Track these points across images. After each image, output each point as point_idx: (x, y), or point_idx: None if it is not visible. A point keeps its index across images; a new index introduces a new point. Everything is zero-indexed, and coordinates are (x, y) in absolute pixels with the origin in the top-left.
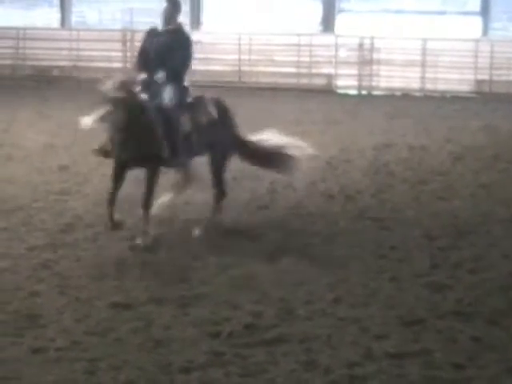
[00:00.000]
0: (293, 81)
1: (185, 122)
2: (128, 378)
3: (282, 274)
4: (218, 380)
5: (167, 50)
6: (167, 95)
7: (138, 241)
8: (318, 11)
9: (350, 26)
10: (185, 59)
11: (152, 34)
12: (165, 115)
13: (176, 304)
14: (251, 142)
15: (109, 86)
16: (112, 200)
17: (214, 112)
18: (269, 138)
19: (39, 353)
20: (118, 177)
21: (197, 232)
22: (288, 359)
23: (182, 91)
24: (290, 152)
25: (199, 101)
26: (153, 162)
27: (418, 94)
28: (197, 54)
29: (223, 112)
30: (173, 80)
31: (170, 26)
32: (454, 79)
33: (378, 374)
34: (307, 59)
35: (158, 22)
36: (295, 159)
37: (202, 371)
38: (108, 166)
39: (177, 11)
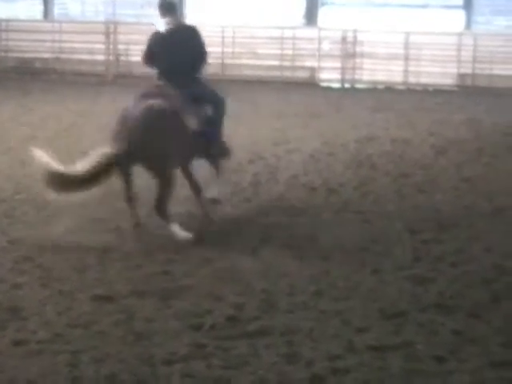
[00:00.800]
0: (276, 74)
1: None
2: (110, 371)
3: (264, 266)
4: (199, 372)
5: (185, 45)
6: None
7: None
8: (301, 4)
9: (333, 19)
10: (203, 50)
11: (160, 35)
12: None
13: (158, 296)
14: None
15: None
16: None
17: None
18: None
19: (21, 345)
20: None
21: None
22: (270, 352)
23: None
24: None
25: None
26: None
27: (400, 87)
28: None
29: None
30: (192, 76)
31: (177, 23)
32: (437, 73)
33: (359, 366)
34: (290, 52)
35: (140, 14)
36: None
37: (184, 363)
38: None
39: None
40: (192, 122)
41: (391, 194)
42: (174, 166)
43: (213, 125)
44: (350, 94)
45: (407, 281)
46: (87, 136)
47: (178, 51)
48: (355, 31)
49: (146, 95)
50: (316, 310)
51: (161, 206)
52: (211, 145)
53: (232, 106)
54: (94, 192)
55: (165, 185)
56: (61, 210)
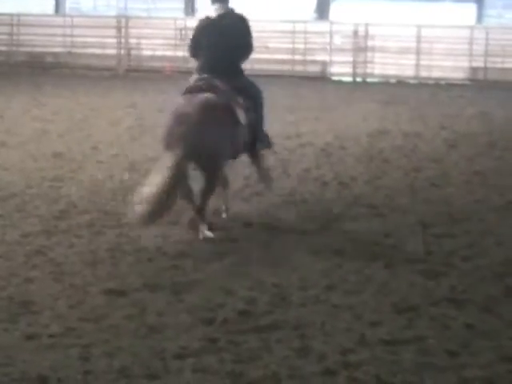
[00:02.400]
0: (287, 68)
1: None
2: (122, 365)
3: (276, 260)
4: (211, 366)
5: (234, 32)
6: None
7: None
8: None
9: (344, 13)
10: (250, 41)
11: (208, 21)
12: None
13: (170, 290)
14: None
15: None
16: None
17: None
18: None
19: (33, 339)
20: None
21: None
22: (282, 346)
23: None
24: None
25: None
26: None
27: (412, 81)
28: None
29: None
30: (235, 67)
31: (227, 10)
32: (449, 66)
33: (371, 360)
34: (302, 46)
35: (151, 8)
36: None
37: (195, 357)
38: (100, 154)
39: None
40: (242, 116)
41: (403, 188)
42: (225, 161)
43: (256, 118)
44: (361, 87)
45: (419, 275)
46: (99, 130)
47: (223, 39)
48: (367, 25)
49: (193, 89)
50: (328, 304)
51: (203, 202)
52: (257, 138)
53: None
54: (107, 187)
55: (212, 182)
56: (73, 204)
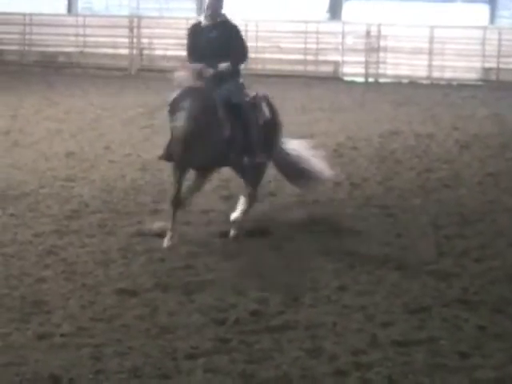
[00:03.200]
0: (300, 68)
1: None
2: (133, 365)
3: (287, 260)
4: (223, 367)
5: (222, 44)
6: (234, 90)
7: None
8: None
9: (357, 13)
10: (244, 51)
11: (198, 29)
12: (237, 111)
13: (181, 291)
14: (287, 151)
15: (184, 75)
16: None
17: (267, 112)
18: (300, 149)
19: (45, 339)
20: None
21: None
22: (293, 346)
23: (240, 88)
24: (316, 172)
25: (255, 99)
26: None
27: (424, 81)
28: None
29: (274, 112)
30: (231, 75)
31: (218, 19)
32: (461, 67)
33: (383, 361)
34: (314, 46)
35: (163, 8)
36: (319, 180)
37: (207, 358)
38: (112, 154)
39: (221, 3)
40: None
41: (415, 189)
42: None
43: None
44: (373, 88)
45: (431, 276)
46: (111, 130)
47: (209, 50)
48: (379, 25)
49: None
50: (339, 305)
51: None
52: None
53: None
54: (119, 187)
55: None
56: (85, 204)
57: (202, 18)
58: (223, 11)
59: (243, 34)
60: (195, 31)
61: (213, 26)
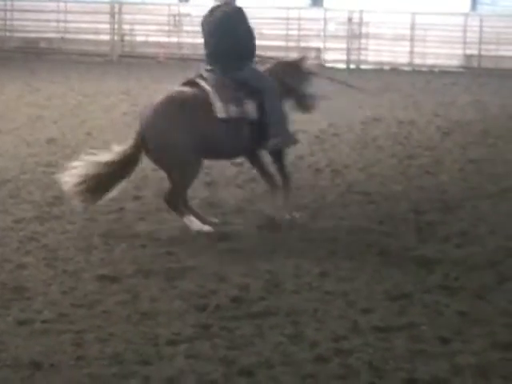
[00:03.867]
0: (281, 54)
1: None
2: (115, 351)
3: (269, 247)
4: (204, 352)
5: (220, 29)
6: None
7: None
8: None
9: (338, 0)
10: (246, 33)
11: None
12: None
13: (163, 277)
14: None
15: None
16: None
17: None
18: None
19: (26, 325)
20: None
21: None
22: (274, 332)
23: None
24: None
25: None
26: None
27: (406, 68)
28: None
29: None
30: (237, 61)
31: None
32: (443, 54)
33: (364, 347)
34: (296, 33)
35: None
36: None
37: (188, 344)
38: (94, 140)
39: None
40: (223, 111)
41: (397, 176)
42: (192, 158)
43: (264, 113)
44: (355, 74)
45: (412, 262)
46: (93, 116)
47: (212, 34)
48: (361, 12)
49: (186, 82)
50: (321, 291)
51: (170, 199)
52: (269, 134)
53: None
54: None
55: (174, 178)
56: (67, 191)
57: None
58: None
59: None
60: (203, 18)
61: (214, 8)
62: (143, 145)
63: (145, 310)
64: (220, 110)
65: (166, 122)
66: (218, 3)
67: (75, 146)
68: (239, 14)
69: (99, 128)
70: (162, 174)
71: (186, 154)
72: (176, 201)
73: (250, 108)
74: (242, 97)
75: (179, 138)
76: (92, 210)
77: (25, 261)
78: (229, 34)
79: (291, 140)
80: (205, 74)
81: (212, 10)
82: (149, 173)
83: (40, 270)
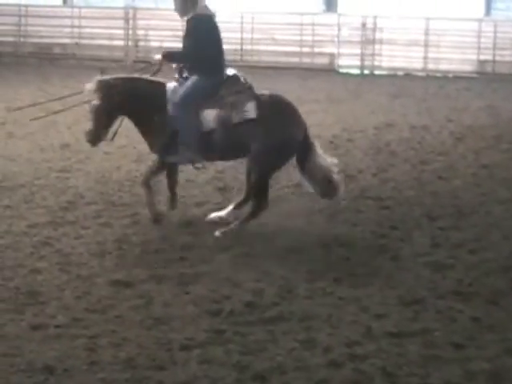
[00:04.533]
0: (295, 60)
1: (206, 118)
2: (128, 356)
3: (282, 252)
4: (217, 358)
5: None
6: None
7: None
8: None
9: (352, 5)
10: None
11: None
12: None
13: (176, 282)
14: (312, 154)
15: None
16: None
17: (252, 111)
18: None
19: (39, 329)
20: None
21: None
22: (288, 337)
23: (211, 84)
24: (336, 180)
25: (237, 97)
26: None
27: (420, 73)
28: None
29: (274, 111)
30: (196, 71)
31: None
32: (457, 59)
33: (377, 352)
34: (310, 38)
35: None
36: (338, 188)
37: (201, 349)
38: (108, 145)
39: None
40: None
41: (410, 181)
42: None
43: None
44: (369, 80)
45: (426, 268)
46: None
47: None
48: (375, 17)
49: None
50: (334, 297)
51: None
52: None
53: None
54: (114, 178)
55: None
56: (80, 195)
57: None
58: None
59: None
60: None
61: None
62: None
63: (158, 315)
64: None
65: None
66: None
67: (89, 151)
68: (191, 23)
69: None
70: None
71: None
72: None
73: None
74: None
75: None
76: (106, 216)
77: (38, 266)
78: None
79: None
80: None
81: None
82: (162, 178)
83: (54, 275)
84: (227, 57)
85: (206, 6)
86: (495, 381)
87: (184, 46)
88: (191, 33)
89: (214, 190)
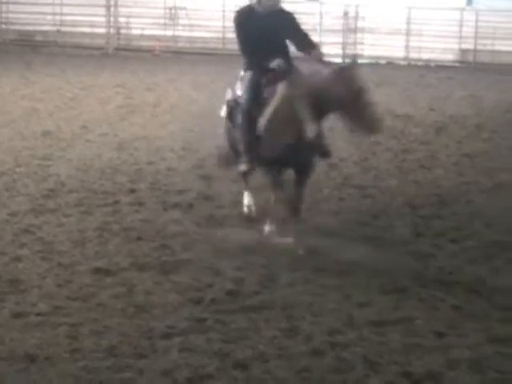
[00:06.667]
0: None
1: None
2: (109, 343)
3: (264, 240)
4: (199, 346)
5: (281, 32)
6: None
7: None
8: None
9: None
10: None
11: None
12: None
13: (158, 270)
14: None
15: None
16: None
17: None
18: None
19: (21, 317)
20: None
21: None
22: (269, 326)
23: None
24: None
25: None
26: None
27: (402, 62)
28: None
29: None
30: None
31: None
32: (439, 48)
33: (359, 341)
34: None
35: None
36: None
37: (183, 337)
38: (89, 133)
39: None
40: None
41: (392, 170)
42: None
43: None
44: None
45: (407, 256)
46: (88, 109)
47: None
48: (357, 6)
49: None
50: (316, 285)
51: None
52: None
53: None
54: (96, 166)
55: None
56: (61, 183)
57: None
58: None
59: (221, 13)
60: (247, 17)
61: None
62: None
63: (140, 303)
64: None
65: None
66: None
67: (70, 138)
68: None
69: (94, 121)
70: (157, 167)
71: None
72: None
73: None
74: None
75: None
76: (87, 203)
77: (20, 253)
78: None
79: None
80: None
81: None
82: (144, 166)
83: (35, 263)
84: (210, 45)
85: None
86: (476, 369)
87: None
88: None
89: (195, 178)
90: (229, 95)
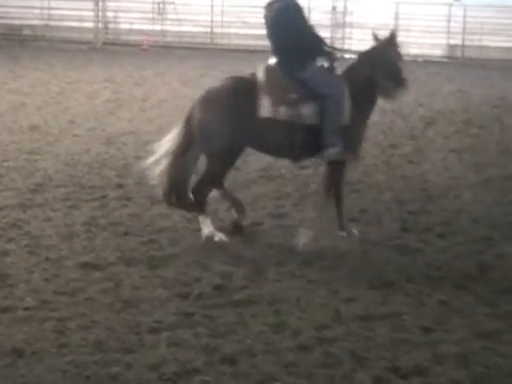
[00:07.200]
0: (265, 43)
1: None
2: (97, 338)
3: (251, 235)
4: (186, 340)
5: (276, 24)
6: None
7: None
8: None
9: None
10: (304, 30)
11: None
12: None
13: (145, 265)
14: None
15: None
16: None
17: None
18: None
19: (8, 312)
20: None
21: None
22: (257, 321)
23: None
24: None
25: None
26: None
27: None
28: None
29: None
30: (297, 61)
31: None
32: (427, 43)
33: (346, 336)
34: None
35: None
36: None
37: (170, 332)
38: (77, 127)
39: None
40: (283, 112)
41: (380, 165)
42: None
43: (325, 120)
44: (339, 63)
45: (395, 251)
46: (76, 104)
47: (274, 30)
48: (345, 1)
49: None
50: (303, 280)
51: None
52: (326, 144)
53: (220, 76)
54: (83, 161)
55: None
56: (49, 177)
57: None
58: None
59: (209, 7)
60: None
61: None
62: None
63: (127, 298)
64: (264, 109)
65: (213, 109)
66: None
67: (58, 133)
68: (294, 9)
69: (82, 115)
70: (145, 161)
71: (224, 143)
72: (204, 192)
73: (307, 112)
74: (298, 100)
75: (222, 128)
76: (74, 198)
77: (7, 248)
78: (285, 30)
79: (352, 153)
80: (266, 69)
81: (270, 4)
82: (131, 161)
83: (22, 258)
84: (198, 39)
85: None
86: (463, 364)
87: (298, 31)
88: (303, 16)
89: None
90: None
